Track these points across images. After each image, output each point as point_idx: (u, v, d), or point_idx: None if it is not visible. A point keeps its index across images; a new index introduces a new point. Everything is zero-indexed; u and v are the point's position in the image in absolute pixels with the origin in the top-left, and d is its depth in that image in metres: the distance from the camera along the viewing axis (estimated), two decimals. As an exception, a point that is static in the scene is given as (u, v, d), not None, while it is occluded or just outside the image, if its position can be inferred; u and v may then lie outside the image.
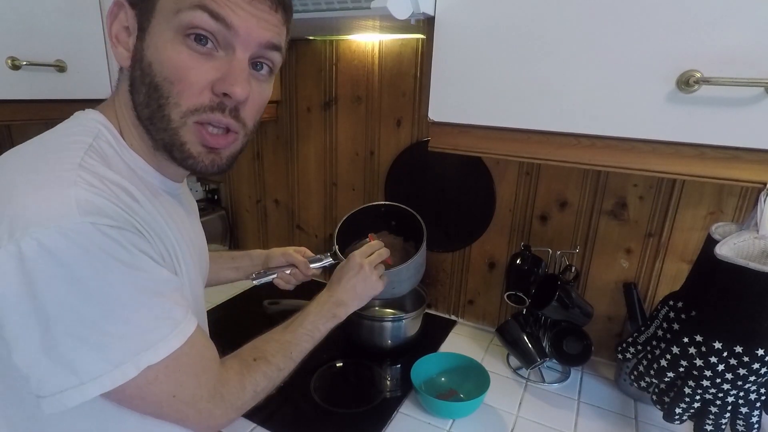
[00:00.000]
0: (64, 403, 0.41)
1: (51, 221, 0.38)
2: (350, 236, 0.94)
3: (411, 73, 1.13)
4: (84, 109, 0.53)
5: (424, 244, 0.86)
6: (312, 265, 0.87)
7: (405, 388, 0.95)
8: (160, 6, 0.44)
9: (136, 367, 0.42)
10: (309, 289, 1.39)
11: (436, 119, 0.76)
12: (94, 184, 0.42)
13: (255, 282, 0.86)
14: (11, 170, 0.43)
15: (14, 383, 0.44)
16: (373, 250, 0.80)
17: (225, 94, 0.46)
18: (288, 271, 0.86)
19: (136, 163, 0.51)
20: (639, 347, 0.76)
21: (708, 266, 0.63)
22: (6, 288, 0.39)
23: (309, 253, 0.90)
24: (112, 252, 0.41)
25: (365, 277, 0.76)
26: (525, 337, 0.98)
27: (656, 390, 0.72)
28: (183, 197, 0.61)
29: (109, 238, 0.41)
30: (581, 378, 1.01)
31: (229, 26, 0.44)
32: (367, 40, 1.15)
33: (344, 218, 0.93)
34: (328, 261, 0.88)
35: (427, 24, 0.73)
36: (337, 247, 0.88)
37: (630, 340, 0.78)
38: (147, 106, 0.47)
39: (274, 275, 0.87)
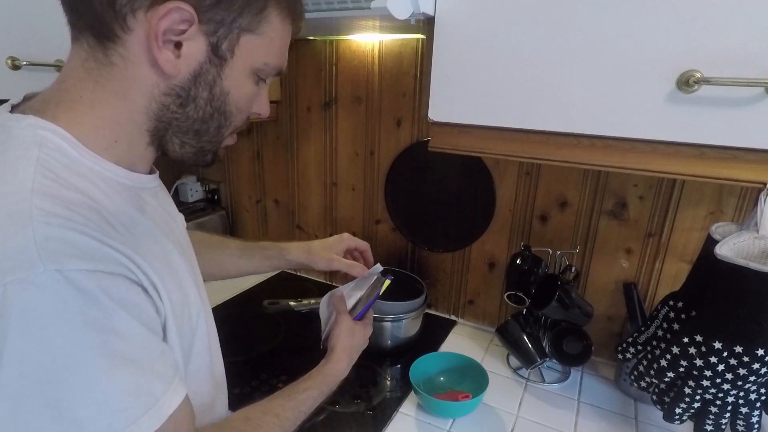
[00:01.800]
0: None
1: (8, 274, 0.33)
2: None
3: (411, 73, 1.13)
4: (2, 112, 0.45)
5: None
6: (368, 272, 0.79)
7: (405, 388, 0.95)
8: (244, 50, 0.47)
9: None
10: (308, 289, 1.40)
11: (436, 119, 0.76)
12: (55, 213, 0.36)
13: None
14: None
15: None
16: (346, 292, 0.77)
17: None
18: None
19: (102, 165, 0.44)
20: (639, 347, 0.76)
21: (708, 266, 0.63)
22: None
23: (354, 241, 0.83)
24: (81, 309, 0.35)
25: (359, 349, 0.74)
26: (525, 337, 0.98)
27: (656, 390, 0.72)
28: (159, 191, 0.56)
29: (77, 290, 0.34)
30: (581, 378, 1.01)
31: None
32: (367, 40, 1.15)
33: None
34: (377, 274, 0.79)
35: (427, 24, 0.73)
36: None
37: (630, 340, 0.78)
38: (204, 122, 0.48)
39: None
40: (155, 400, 0.39)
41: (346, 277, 0.81)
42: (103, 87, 0.44)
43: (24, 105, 0.47)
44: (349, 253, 0.84)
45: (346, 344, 0.71)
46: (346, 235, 0.83)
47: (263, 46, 0.48)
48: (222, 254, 0.84)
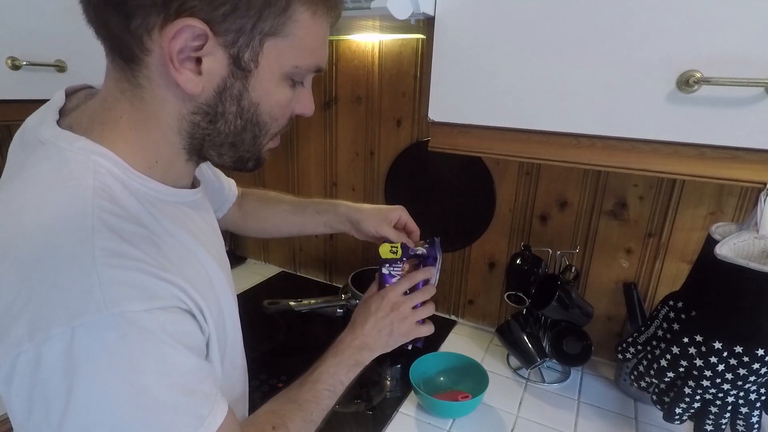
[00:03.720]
0: None
1: (75, 318, 0.34)
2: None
3: (411, 73, 1.13)
4: (46, 128, 0.44)
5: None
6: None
7: (405, 388, 0.95)
8: (270, 57, 0.43)
9: None
10: (308, 289, 1.40)
11: (436, 119, 0.76)
12: (115, 252, 0.37)
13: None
14: (10, 248, 0.37)
15: None
16: (414, 282, 0.70)
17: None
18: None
19: (147, 185, 0.45)
20: (639, 347, 0.76)
21: (708, 266, 0.63)
22: (24, 391, 0.35)
23: (407, 217, 0.78)
24: (144, 349, 0.37)
25: (402, 319, 0.67)
26: (525, 337, 0.98)
27: (656, 390, 0.72)
28: (201, 202, 0.56)
29: (140, 329, 0.37)
30: (581, 378, 1.01)
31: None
32: (367, 40, 1.15)
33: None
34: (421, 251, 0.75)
35: (427, 24, 0.73)
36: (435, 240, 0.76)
37: (630, 340, 0.78)
38: (238, 135, 0.47)
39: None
40: (202, 420, 0.41)
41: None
42: (138, 109, 0.44)
43: (71, 116, 0.46)
44: (398, 228, 0.78)
45: (360, 311, 0.69)
46: (401, 207, 0.78)
47: (291, 48, 0.44)
48: (276, 210, 0.85)
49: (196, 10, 0.38)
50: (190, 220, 0.51)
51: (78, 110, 0.47)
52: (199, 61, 0.41)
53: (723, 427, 0.67)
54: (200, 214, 0.55)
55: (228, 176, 0.84)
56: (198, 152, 0.48)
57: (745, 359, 0.60)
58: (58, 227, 0.38)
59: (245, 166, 0.51)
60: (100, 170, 0.41)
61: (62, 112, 0.47)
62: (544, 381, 0.99)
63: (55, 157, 0.41)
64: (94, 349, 0.35)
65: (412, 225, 0.79)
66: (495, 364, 1.04)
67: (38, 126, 0.45)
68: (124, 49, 0.41)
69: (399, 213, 0.77)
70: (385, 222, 0.75)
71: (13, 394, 0.36)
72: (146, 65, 0.41)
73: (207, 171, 0.73)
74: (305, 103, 0.50)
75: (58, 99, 0.48)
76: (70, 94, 0.49)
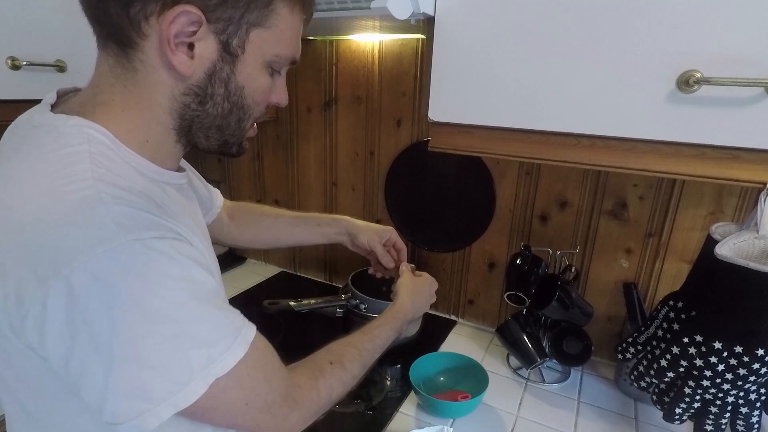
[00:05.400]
0: (141, 427, 0.40)
1: (97, 246, 0.37)
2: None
3: (411, 73, 1.13)
4: (40, 115, 0.46)
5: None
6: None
7: (405, 388, 0.95)
8: (254, 45, 0.48)
9: (206, 381, 0.41)
10: (308, 289, 1.40)
11: (436, 119, 0.76)
12: (117, 196, 0.41)
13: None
14: (21, 205, 0.40)
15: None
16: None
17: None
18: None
19: (137, 162, 0.47)
20: (639, 347, 0.76)
21: (708, 266, 0.63)
22: (62, 328, 0.37)
23: (397, 237, 0.91)
24: (164, 268, 0.40)
25: (432, 294, 0.84)
26: (525, 337, 0.98)
27: (656, 390, 0.72)
28: (186, 188, 0.58)
29: (157, 252, 0.39)
30: (581, 378, 1.01)
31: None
32: (367, 40, 1.15)
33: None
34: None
35: (427, 24, 0.73)
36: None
37: (630, 340, 0.78)
38: (224, 117, 0.51)
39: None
40: (238, 330, 0.45)
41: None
42: (131, 91, 0.47)
43: (63, 106, 0.49)
44: (387, 246, 0.90)
45: (409, 288, 0.82)
46: (392, 228, 0.91)
47: (273, 38, 0.49)
48: (275, 222, 0.92)
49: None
50: (177, 202, 0.53)
51: (69, 101, 0.50)
52: (191, 46, 0.45)
53: (723, 427, 0.67)
54: (186, 199, 0.57)
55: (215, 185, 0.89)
56: (186, 134, 0.51)
57: (745, 359, 0.60)
58: (61, 181, 0.40)
59: (230, 151, 0.55)
60: (94, 140, 0.44)
61: (53, 107, 0.49)
62: (544, 381, 0.99)
63: (52, 133, 0.44)
64: (122, 270, 0.37)
65: (400, 244, 0.91)
66: (495, 364, 1.04)
67: (30, 116, 0.48)
68: (121, 35, 0.44)
69: (390, 234, 0.90)
70: (377, 239, 0.88)
71: (50, 334, 0.38)
72: (141, 49, 0.45)
73: (194, 178, 0.75)
74: (280, 93, 0.56)
75: (49, 97, 0.51)
76: (61, 95, 0.52)
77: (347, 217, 0.91)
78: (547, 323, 1.01)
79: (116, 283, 0.37)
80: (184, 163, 0.64)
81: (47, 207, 0.39)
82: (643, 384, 0.73)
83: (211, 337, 0.42)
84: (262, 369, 0.47)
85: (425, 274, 0.88)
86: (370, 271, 0.96)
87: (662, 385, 0.71)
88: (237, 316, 0.46)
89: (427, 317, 1.13)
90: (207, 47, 0.45)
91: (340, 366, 0.60)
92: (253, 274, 1.47)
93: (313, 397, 0.55)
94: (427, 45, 0.73)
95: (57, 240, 0.37)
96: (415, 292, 0.82)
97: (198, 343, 0.41)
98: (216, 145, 0.53)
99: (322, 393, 0.56)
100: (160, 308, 0.39)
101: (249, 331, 0.47)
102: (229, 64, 0.47)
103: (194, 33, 0.44)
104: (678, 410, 0.68)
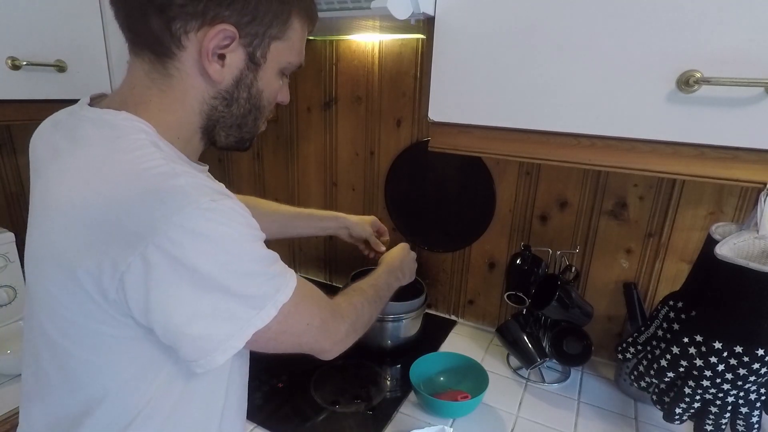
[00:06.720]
0: (228, 352, 0.48)
1: (185, 206, 0.44)
2: None
3: (411, 73, 1.13)
4: (85, 110, 0.52)
5: None
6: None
7: (405, 387, 0.95)
8: (273, 55, 0.55)
9: (276, 307, 0.50)
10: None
11: (436, 119, 0.76)
12: (186, 171, 0.47)
13: None
14: (103, 184, 0.46)
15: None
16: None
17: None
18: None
19: (176, 153, 0.54)
20: (639, 347, 0.76)
21: (708, 266, 0.63)
22: (174, 278, 0.44)
23: (379, 224, 1.04)
24: (238, 219, 0.47)
25: (412, 259, 0.95)
26: (525, 337, 0.98)
27: (656, 390, 0.73)
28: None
29: (229, 208, 0.47)
30: (581, 378, 1.01)
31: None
32: (367, 40, 1.15)
33: None
34: None
35: (427, 24, 0.73)
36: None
37: (630, 340, 0.78)
38: (244, 117, 0.58)
39: None
40: (286, 267, 0.54)
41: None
42: (167, 94, 0.53)
43: (104, 103, 0.54)
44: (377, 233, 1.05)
45: (394, 254, 0.93)
46: (374, 217, 1.06)
47: (287, 48, 0.56)
48: (277, 213, 0.99)
49: (227, 18, 0.49)
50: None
51: (106, 99, 0.55)
52: (222, 57, 0.51)
53: (723, 427, 0.67)
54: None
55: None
56: (209, 133, 0.57)
57: (745, 359, 0.60)
58: (137, 162, 0.46)
59: (243, 146, 0.62)
60: (144, 132, 0.50)
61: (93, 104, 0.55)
62: (544, 381, 0.99)
63: (106, 125, 0.50)
64: (207, 222, 0.44)
65: (383, 228, 1.06)
66: (495, 364, 1.04)
67: (72, 112, 0.54)
68: (160, 46, 0.50)
69: (377, 222, 1.05)
70: (370, 230, 1.02)
71: (155, 282, 0.44)
72: (179, 59, 0.51)
73: None
74: (285, 93, 0.63)
75: (84, 100, 0.56)
76: (94, 98, 0.57)
77: (342, 214, 1.03)
78: (547, 323, 1.01)
79: (208, 234, 0.44)
80: None
81: (132, 183, 0.45)
82: (643, 384, 0.73)
83: (275, 271, 0.51)
84: (311, 295, 0.58)
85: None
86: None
87: (662, 385, 0.71)
88: (284, 264, 0.54)
89: (427, 317, 1.14)
90: (236, 58, 0.52)
91: (361, 291, 0.73)
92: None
93: (351, 310, 0.66)
94: (427, 45, 0.73)
95: (148, 208, 0.43)
96: (393, 252, 0.94)
97: (269, 276, 0.50)
98: (234, 141, 0.60)
99: (357, 306, 0.68)
100: (242, 252, 0.48)
101: (290, 269, 0.55)
102: (252, 71, 0.55)
103: (228, 46, 0.51)
104: (678, 410, 0.68)
